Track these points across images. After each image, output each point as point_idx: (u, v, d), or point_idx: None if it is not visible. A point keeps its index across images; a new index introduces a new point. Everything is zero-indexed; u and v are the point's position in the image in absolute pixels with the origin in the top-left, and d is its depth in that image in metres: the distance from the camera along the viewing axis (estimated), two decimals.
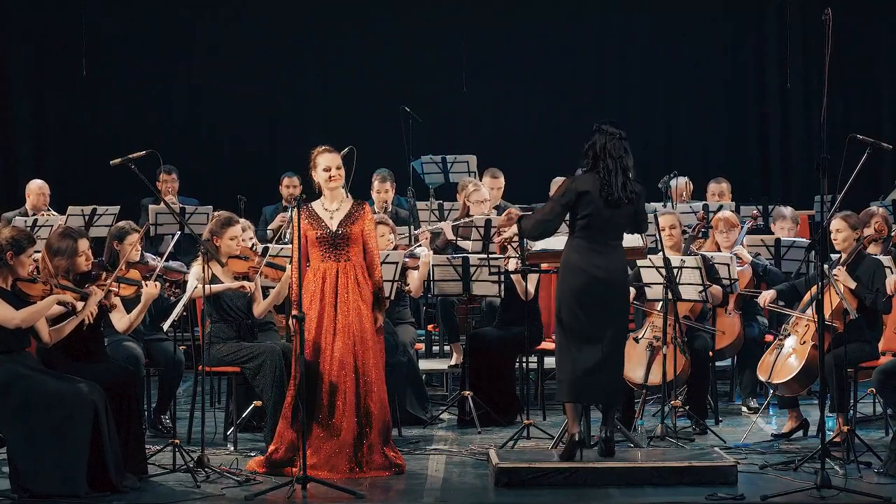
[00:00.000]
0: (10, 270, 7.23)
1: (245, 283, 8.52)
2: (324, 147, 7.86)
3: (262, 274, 8.56)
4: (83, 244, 7.65)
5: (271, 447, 7.76)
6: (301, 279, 7.51)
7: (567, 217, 7.59)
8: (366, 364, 7.72)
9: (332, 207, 7.82)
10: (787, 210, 10.74)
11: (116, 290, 7.64)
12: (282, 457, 7.68)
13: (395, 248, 9.49)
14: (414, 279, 9.49)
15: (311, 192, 7.95)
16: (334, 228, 7.76)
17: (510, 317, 9.38)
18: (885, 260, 8.64)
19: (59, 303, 7.27)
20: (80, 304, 7.37)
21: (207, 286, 8.03)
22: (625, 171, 7.47)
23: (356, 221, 7.80)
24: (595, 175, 7.50)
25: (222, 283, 8.51)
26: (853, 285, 8.41)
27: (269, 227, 12.07)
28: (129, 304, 8.13)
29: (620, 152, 7.48)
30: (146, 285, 7.84)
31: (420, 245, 10.22)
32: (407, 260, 9.33)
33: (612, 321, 7.53)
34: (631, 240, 8.09)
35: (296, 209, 7.61)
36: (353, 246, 7.78)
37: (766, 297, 9.00)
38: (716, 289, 9.05)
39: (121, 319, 8.06)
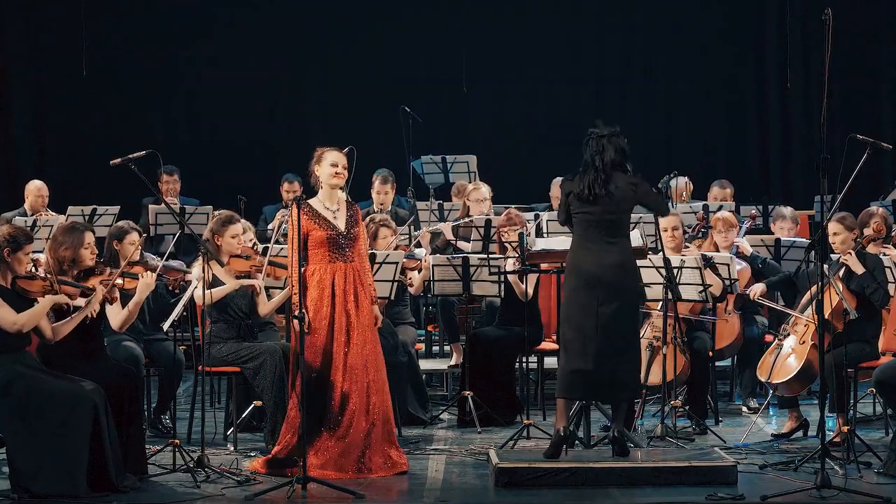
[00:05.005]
0: (7, 268, 7.23)
1: (250, 280, 8.49)
2: (332, 146, 7.87)
3: (265, 273, 8.55)
4: (89, 237, 7.67)
5: (276, 448, 7.73)
6: (301, 278, 7.50)
7: None
8: (374, 364, 7.73)
9: (333, 207, 7.81)
10: (787, 210, 10.73)
11: (121, 283, 7.65)
12: (285, 458, 7.66)
13: (396, 247, 9.49)
14: (415, 278, 9.51)
15: (310, 191, 7.94)
16: (343, 229, 7.77)
17: (510, 317, 9.38)
18: (885, 260, 8.64)
19: (55, 304, 7.27)
20: (80, 300, 7.38)
21: (208, 291, 8.00)
22: (597, 168, 7.60)
23: (357, 223, 7.82)
24: (577, 176, 7.68)
25: (224, 284, 8.51)
26: (860, 270, 8.40)
27: (269, 226, 12.07)
28: (129, 299, 8.12)
29: (593, 151, 7.63)
30: (142, 276, 7.83)
31: (420, 247, 10.23)
32: (405, 261, 9.33)
33: (609, 320, 7.54)
34: (631, 239, 8.10)
35: (294, 207, 7.60)
36: (356, 247, 7.81)
37: (755, 290, 9.03)
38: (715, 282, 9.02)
39: (117, 315, 8.03)
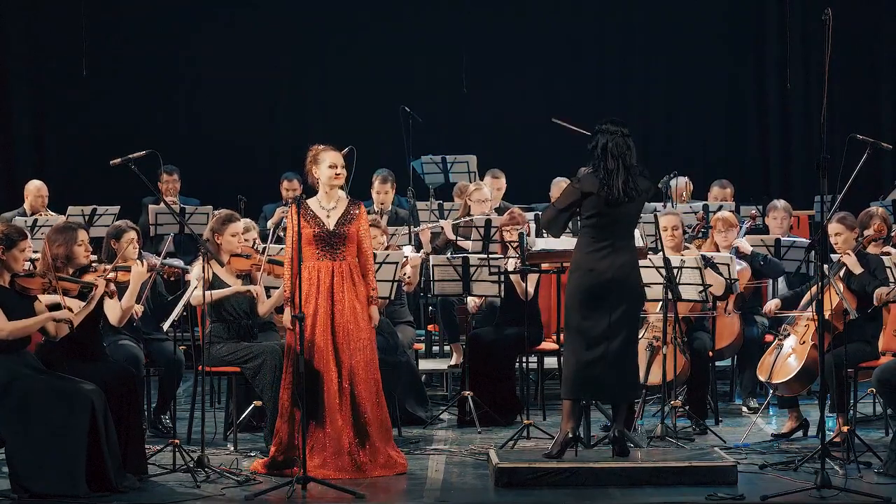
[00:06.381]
0: (4, 266, 7.23)
1: (251, 287, 8.50)
2: (327, 145, 7.87)
3: (265, 271, 8.55)
4: (82, 234, 7.67)
5: (272, 450, 7.74)
6: (300, 278, 7.50)
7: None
8: (361, 364, 7.72)
9: (329, 206, 7.82)
10: (780, 202, 10.74)
11: (115, 276, 7.63)
12: (284, 458, 7.68)
13: (387, 247, 9.49)
14: (406, 274, 9.50)
15: (308, 189, 7.94)
16: (331, 227, 7.76)
17: (510, 317, 9.37)
18: (885, 260, 8.64)
19: (54, 319, 7.26)
20: (75, 305, 7.36)
21: (209, 292, 8.01)
22: (627, 168, 7.49)
23: (353, 221, 7.80)
24: (597, 175, 7.51)
25: (225, 283, 8.51)
26: (859, 270, 8.41)
27: (269, 223, 12.08)
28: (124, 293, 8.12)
29: (623, 150, 7.51)
30: (135, 264, 7.81)
31: (407, 245, 10.24)
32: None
33: (619, 321, 7.50)
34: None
35: (294, 206, 7.60)
36: (349, 245, 7.79)
37: (770, 306, 9.05)
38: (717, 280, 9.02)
39: (114, 309, 8.01)
